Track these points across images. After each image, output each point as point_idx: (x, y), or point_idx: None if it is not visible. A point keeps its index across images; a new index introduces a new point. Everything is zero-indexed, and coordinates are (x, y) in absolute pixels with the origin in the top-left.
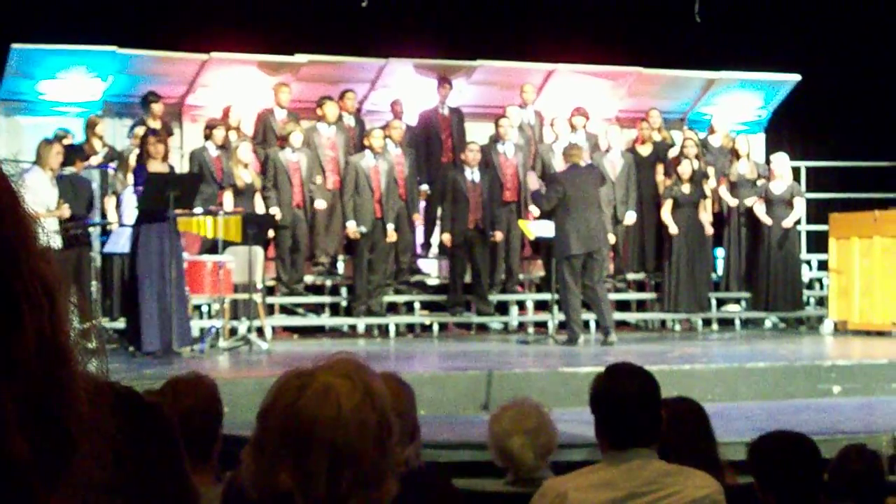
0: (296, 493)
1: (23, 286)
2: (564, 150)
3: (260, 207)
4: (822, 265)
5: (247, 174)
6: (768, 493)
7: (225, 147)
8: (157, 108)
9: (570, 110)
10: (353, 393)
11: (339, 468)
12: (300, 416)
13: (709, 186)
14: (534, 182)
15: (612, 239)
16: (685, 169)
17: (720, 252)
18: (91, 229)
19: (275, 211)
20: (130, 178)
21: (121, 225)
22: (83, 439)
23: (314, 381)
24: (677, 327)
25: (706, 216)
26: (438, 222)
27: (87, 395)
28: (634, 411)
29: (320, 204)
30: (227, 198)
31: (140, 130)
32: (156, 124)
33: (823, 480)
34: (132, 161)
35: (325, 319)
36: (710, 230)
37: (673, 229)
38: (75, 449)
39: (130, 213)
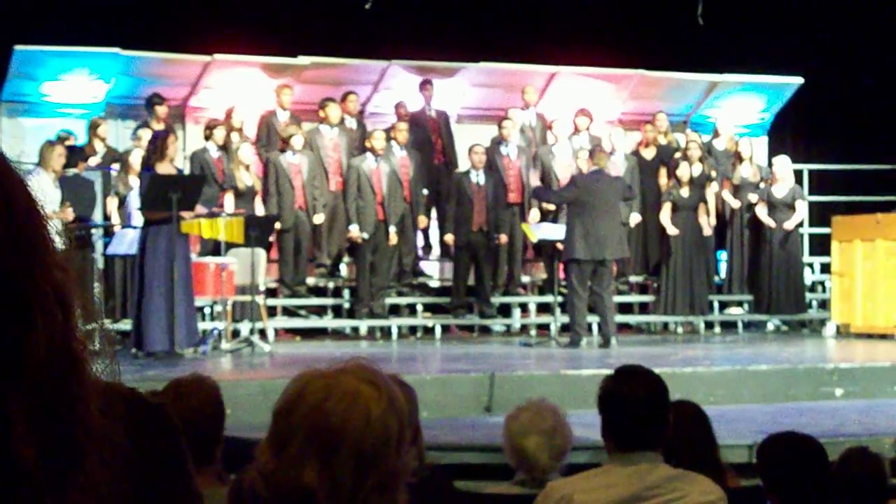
0: (320, 491)
1: (36, 295)
2: (591, 151)
3: (261, 209)
4: (825, 268)
5: (248, 176)
6: (775, 495)
7: (226, 147)
8: (161, 110)
9: (573, 112)
10: (380, 400)
11: (364, 472)
12: (329, 418)
13: (711, 190)
14: (536, 180)
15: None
16: (683, 172)
17: (723, 255)
18: (94, 230)
19: (275, 213)
20: (133, 179)
21: (124, 226)
22: (92, 447)
23: (339, 383)
24: (679, 330)
25: (705, 219)
26: (435, 223)
27: (98, 403)
28: (641, 414)
29: (319, 218)
30: (229, 200)
31: (143, 133)
32: (160, 127)
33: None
34: (133, 161)
35: (328, 321)
36: (708, 232)
37: (672, 231)
38: (83, 456)
39: (135, 214)
